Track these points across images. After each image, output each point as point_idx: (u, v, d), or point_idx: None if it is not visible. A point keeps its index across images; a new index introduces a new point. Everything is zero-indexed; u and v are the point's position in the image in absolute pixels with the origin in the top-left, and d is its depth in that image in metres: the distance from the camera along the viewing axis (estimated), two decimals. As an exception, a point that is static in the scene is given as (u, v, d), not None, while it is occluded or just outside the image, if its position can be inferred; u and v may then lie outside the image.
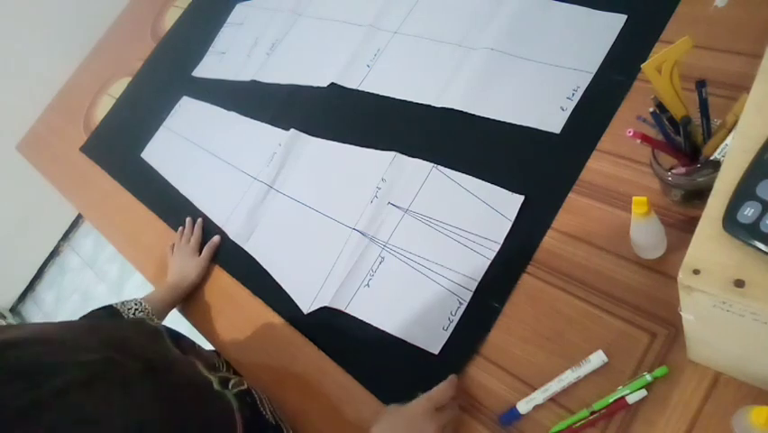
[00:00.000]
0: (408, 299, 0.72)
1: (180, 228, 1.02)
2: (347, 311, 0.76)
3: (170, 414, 0.50)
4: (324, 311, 0.78)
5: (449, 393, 0.62)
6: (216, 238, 0.97)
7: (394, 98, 0.92)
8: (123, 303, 0.82)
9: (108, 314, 0.79)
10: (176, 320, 0.89)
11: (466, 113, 0.82)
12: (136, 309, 0.82)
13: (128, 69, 1.50)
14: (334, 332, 0.77)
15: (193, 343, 0.79)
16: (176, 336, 0.75)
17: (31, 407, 0.40)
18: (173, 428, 0.49)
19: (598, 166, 0.68)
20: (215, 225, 0.99)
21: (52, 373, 0.44)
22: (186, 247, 0.97)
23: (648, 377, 0.53)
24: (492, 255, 0.69)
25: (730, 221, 0.36)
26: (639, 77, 0.70)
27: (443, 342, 0.68)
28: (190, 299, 0.94)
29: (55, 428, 0.41)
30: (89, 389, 0.45)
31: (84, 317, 0.77)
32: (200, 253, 0.95)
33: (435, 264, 0.73)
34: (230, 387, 0.63)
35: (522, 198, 0.70)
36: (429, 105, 0.87)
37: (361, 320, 0.75)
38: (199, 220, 1.01)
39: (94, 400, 0.45)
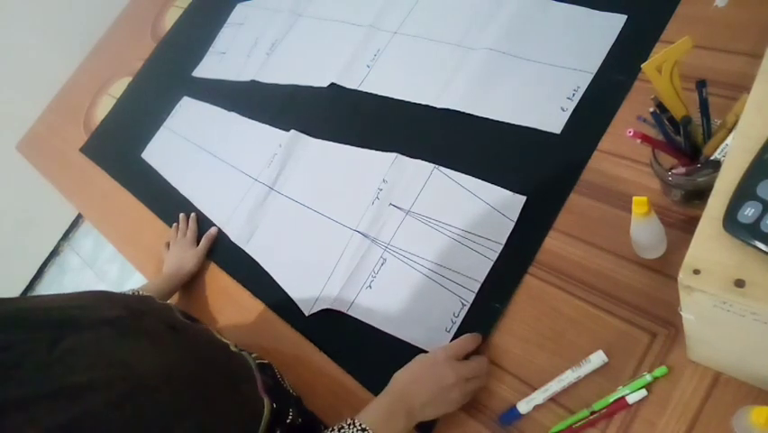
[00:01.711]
0: (411, 301, 0.72)
1: (174, 224, 1.02)
2: (349, 313, 0.76)
3: (194, 363, 0.54)
4: (326, 313, 0.78)
5: (469, 346, 0.63)
6: (214, 229, 0.98)
7: (394, 99, 0.92)
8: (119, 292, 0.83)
9: None
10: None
11: (466, 113, 0.82)
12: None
13: (128, 69, 1.51)
14: (336, 334, 0.77)
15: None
16: (186, 316, 0.76)
17: (66, 354, 0.43)
18: (197, 375, 0.53)
19: (598, 166, 0.68)
20: (216, 226, 0.99)
21: (83, 326, 0.47)
22: (182, 239, 0.98)
23: (648, 377, 0.53)
24: (495, 256, 0.69)
25: (730, 221, 0.36)
26: (640, 77, 0.70)
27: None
28: (190, 299, 0.94)
29: (92, 367, 0.43)
30: (119, 338, 0.48)
31: None
32: (197, 244, 0.96)
33: (438, 266, 0.73)
34: (251, 356, 0.67)
35: (524, 198, 0.70)
36: (429, 106, 0.87)
37: (363, 322, 0.75)
38: (193, 214, 1.03)
39: (124, 347, 0.48)
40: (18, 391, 0.39)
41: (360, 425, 0.56)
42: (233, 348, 0.67)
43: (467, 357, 0.63)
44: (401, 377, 0.61)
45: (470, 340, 0.64)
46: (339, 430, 0.56)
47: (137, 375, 0.46)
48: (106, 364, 0.45)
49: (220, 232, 0.98)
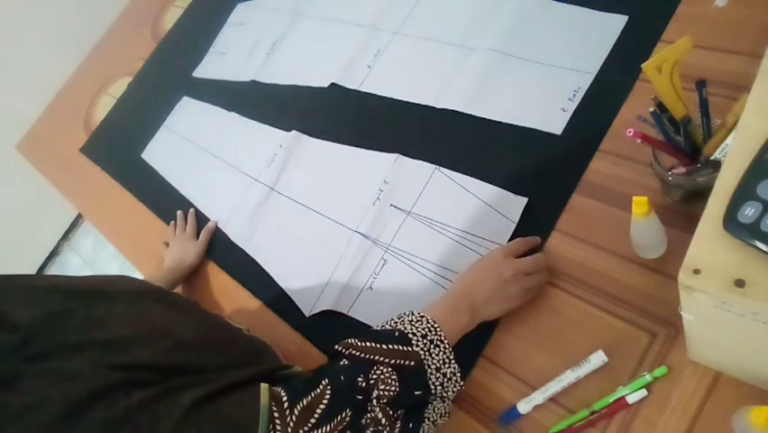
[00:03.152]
0: (412, 302, 0.72)
1: (172, 222, 1.03)
2: (350, 314, 0.76)
3: (222, 332, 0.59)
4: (326, 313, 0.78)
5: (526, 246, 0.65)
6: (213, 222, 0.98)
7: (395, 99, 0.92)
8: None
9: None
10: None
11: (467, 114, 0.82)
12: None
13: (128, 69, 1.51)
14: (336, 334, 0.76)
15: None
16: None
17: (107, 317, 0.46)
18: (228, 341, 0.58)
19: (598, 166, 0.68)
20: (216, 226, 0.99)
21: (115, 297, 0.49)
22: (182, 234, 0.98)
23: (648, 377, 0.53)
24: (495, 257, 0.69)
25: (731, 221, 0.36)
26: (641, 77, 0.70)
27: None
28: (190, 299, 0.94)
29: (135, 326, 0.47)
30: (153, 305, 0.52)
31: None
32: (197, 239, 0.97)
33: (439, 267, 0.73)
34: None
35: (525, 199, 0.70)
36: (430, 106, 0.87)
37: (364, 323, 0.74)
38: (191, 210, 1.03)
39: (159, 312, 0.52)
40: (74, 337, 0.42)
41: (418, 314, 0.58)
42: (245, 332, 0.69)
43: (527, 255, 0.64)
44: (463, 277, 0.63)
45: (527, 241, 0.66)
46: (398, 319, 0.58)
47: (177, 335, 0.49)
48: (148, 325, 0.48)
49: (220, 232, 0.98)
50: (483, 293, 0.60)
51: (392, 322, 0.59)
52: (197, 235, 0.98)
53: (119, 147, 1.33)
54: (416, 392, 0.54)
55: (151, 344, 0.46)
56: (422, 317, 0.58)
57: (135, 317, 0.48)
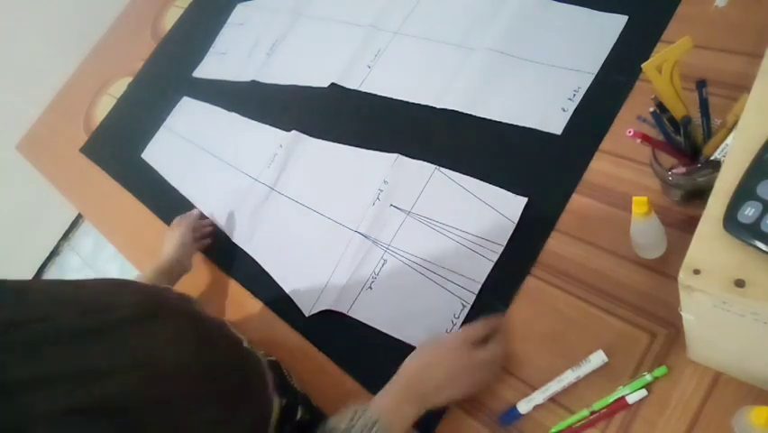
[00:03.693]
0: (411, 302, 0.72)
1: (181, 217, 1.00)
2: (349, 314, 0.76)
3: (210, 356, 0.54)
4: (326, 313, 0.78)
5: (485, 330, 0.62)
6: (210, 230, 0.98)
7: (395, 99, 0.92)
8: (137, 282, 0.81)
9: None
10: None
11: (467, 114, 0.82)
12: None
13: (128, 69, 1.51)
14: (336, 334, 0.77)
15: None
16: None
17: (93, 334, 0.43)
18: (212, 369, 0.53)
19: (598, 166, 0.68)
20: (216, 226, 0.99)
21: (108, 310, 0.47)
22: (189, 231, 0.95)
23: (648, 377, 0.53)
24: (495, 258, 0.69)
25: (731, 221, 0.36)
26: (641, 77, 0.70)
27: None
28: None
29: (113, 352, 0.44)
30: (140, 325, 0.49)
31: None
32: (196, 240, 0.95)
33: (438, 267, 0.73)
34: (261, 354, 0.67)
35: (525, 199, 0.70)
36: (430, 107, 0.87)
37: (364, 323, 0.74)
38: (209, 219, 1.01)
39: (144, 334, 0.48)
40: (43, 368, 0.39)
41: (368, 414, 0.55)
42: (245, 345, 0.67)
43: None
44: (409, 364, 0.60)
45: (488, 325, 0.62)
46: (349, 422, 0.55)
47: (155, 364, 0.46)
48: (128, 350, 0.45)
49: (220, 232, 0.98)
50: (435, 382, 0.58)
51: (349, 422, 0.56)
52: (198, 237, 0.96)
53: (119, 147, 1.33)
54: None
55: (124, 375, 0.43)
56: (374, 423, 0.55)
57: (118, 339, 0.45)
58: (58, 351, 0.41)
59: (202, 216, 1.01)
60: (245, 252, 0.92)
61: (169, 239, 0.94)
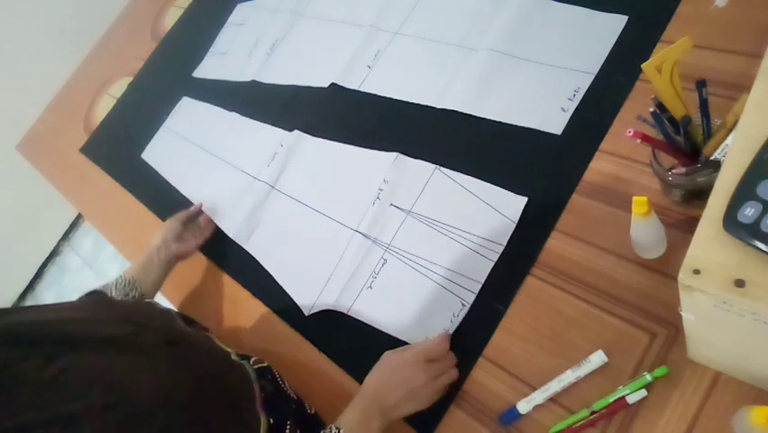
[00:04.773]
0: (411, 302, 0.72)
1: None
2: (349, 314, 0.76)
3: (191, 383, 0.52)
4: (326, 313, 0.78)
5: (441, 348, 0.65)
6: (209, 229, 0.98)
7: (395, 99, 0.92)
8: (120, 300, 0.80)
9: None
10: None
11: (467, 114, 0.82)
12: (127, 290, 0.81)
13: (128, 69, 1.51)
14: (336, 334, 0.77)
15: (206, 328, 0.78)
16: (188, 321, 0.75)
17: (61, 374, 0.42)
18: (194, 396, 0.51)
19: (598, 166, 0.68)
20: (216, 225, 0.99)
21: (79, 344, 0.46)
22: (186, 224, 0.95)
23: (648, 377, 0.53)
24: (495, 257, 0.69)
25: (731, 221, 0.36)
26: (641, 77, 0.70)
27: (446, 344, 0.67)
28: (190, 300, 0.94)
29: (86, 394, 0.42)
30: (116, 358, 0.47)
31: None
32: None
33: (438, 266, 0.73)
34: (251, 363, 0.67)
35: (525, 199, 0.70)
36: (430, 107, 0.87)
37: (364, 323, 0.75)
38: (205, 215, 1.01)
39: (120, 368, 0.47)
40: (10, 422, 0.38)
41: (338, 430, 0.58)
42: (233, 357, 0.66)
43: None
44: (372, 379, 0.64)
45: (441, 342, 0.66)
46: None
47: (132, 400, 0.44)
48: (101, 389, 0.43)
49: (220, 231, 0.98)
50: (394, 396, 0.62)
51: None
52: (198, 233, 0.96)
53: (119, 147, 1.33)
54: None
55: (99, 418, 0.41)
56: None
57: (90, 378, 0.44)
58: (27, 399, 0.39)
59: (199, 213, 1.01)
60: (244, 251, 0.92)
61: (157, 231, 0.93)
